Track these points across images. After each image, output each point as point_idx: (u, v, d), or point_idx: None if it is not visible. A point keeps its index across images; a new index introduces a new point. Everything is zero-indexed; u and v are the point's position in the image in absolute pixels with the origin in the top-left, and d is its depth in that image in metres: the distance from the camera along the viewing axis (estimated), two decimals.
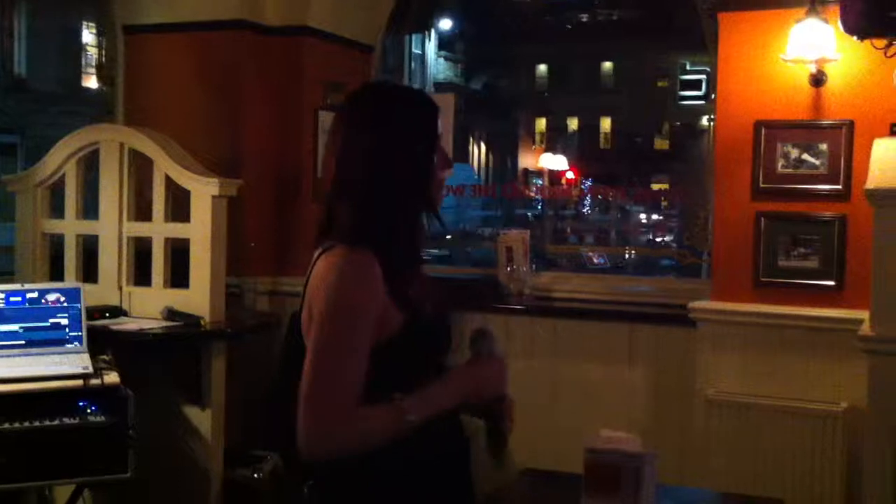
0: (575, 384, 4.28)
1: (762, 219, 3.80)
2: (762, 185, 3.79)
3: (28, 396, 2.97)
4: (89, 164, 3.86)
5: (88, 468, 3.01)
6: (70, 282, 3.63)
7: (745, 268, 3.82)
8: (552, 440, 4.30)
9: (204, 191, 3.60)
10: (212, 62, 4.41)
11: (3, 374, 3.02)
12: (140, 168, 3.80)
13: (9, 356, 3.17)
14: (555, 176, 27.36)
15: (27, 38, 24.03)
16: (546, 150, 32.74)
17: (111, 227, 3.76)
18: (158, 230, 3.71)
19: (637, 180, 27.47)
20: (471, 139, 34.85)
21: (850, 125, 3.67)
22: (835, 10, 3.52)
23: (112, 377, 3.10)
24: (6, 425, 2.90)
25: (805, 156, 3.76)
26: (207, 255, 3.58)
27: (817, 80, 3.70)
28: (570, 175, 30.42)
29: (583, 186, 27.26)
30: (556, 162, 30.85)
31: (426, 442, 1.84)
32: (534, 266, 4.67)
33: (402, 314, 1.82)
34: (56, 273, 3.90)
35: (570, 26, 35.35)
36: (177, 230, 3.68)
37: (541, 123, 37.19)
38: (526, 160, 35.27)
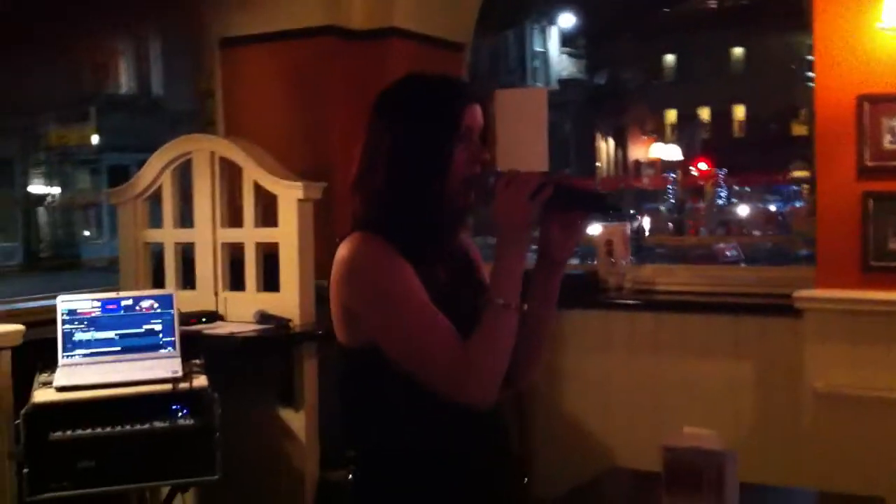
0: (678, 380, 4.16)
1: (869, 199, 3.58)
2: (868, 164, 3.58)
3: (122, 401, 3.06)
4: (183, 174, 3.97)
5: (178, 470, 3.08)
6: (164, 289, 3.73)
7: (852, 252, 3.62)
8: (655, 438, 4.19)
9: (290, 195, 3.64)
10: (301, 69, 4.47)
11: (97, 379, 3.12)
12: (232, 176, 3.88)
13: (105, 363, 3.28)
14: (680, 167, 26.81)
15: (161, 59, 25.17)
16: (658, 141, 32.03)
17: (205, 235, 3.85)
18: (249, 235, 3.78)
19: (776, 169, 26.48)
20: (598, 134, 34.47)
21: None
22: None
23: (201, 380, 3.17)
24: (99, 430, 3.00)
25: None
26: (295, 258, 3.63)
27: None
28: (702, 166, 29.80)
29: (718, 176, 26.61)
30: (668, 152, 30.19)
31: (459, 434, 1.81)
32: (633, 259, 4.56)
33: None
34: (158, 282, 4.02)
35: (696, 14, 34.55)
36: (266, 235, 3.74)
37: (670, 115, 36.46)
38: (637, 152, 34.61)
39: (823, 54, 3.68)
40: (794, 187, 25.12)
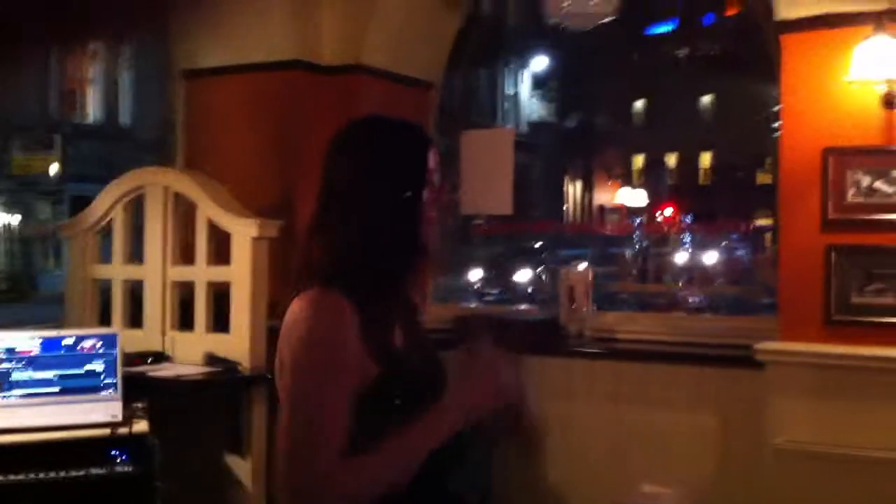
0: (639, 431, 4.07)
1: (832, 252, 3.54)
2: (831, 216, 3.54)
3: (57, 446, 2.93)
4: (140, 208, 3.85)
5: None
6: (107, 328, 3.60)
7: (815, 305, 3.56)
8: (614, 490, 4.10)
9: (244, 232, 3.55)
10: (268, 104, 4.39)
11: (32, 422, 2.99)
12: (187, 211, 3.78)
13: (42, 404, 3.14)
14: (645, 213, 26.92)
15: (132, 89, 25.00)
16: (625, 185, 32.28)
17: (155, 272, 3.74)
18: (201, 274, 3.67)
19: (741, 216, 26.67)
20: (566, 178, 34.64)
21: None
22: None
23: (141, 425, 3.04)
24: (32, 476, 2.86)
25: (878, 183, 3.50)
26: (247, 298, 3.52)
27: (889, 102, 3.45)
28: (668, 212, 29.97)
29: (683, 223, 26.76)
30: (634, 197, 30.41)
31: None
32: (595, 306, 4.48)
33: (377, 366, 1.68)
34: (106, 319, 3.89)
35: (668, 62, 35.00)
36: (218, 273, 3.64)
37: (638, 160, 36.76)
38: (604, 196, 34.85)
39: (790, 106, 3.65)
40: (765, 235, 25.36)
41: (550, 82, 34.13)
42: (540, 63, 32.89)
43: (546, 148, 32.37)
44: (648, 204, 30.12)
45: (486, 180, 4.82)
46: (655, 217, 29.18)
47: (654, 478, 3.94)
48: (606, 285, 13.79)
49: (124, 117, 25.44)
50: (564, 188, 34.44)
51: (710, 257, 17.85)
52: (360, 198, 1.73)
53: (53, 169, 22.73)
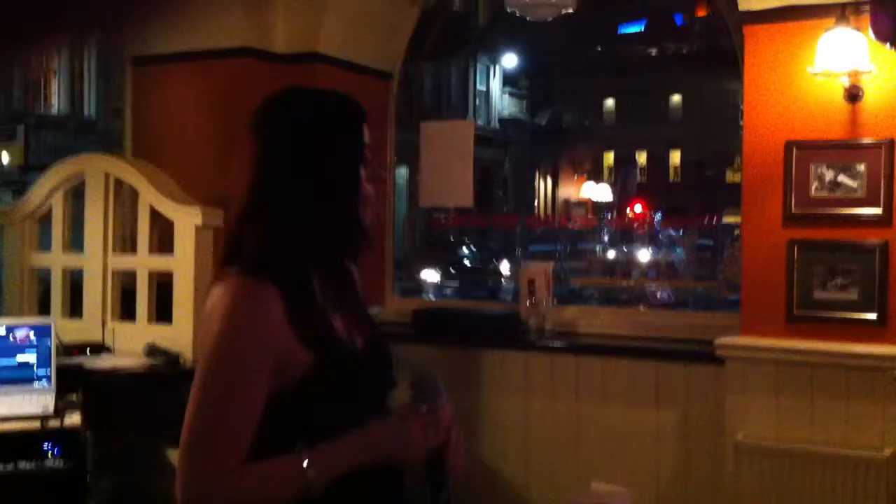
0: (597, 427, 3.99)
1: (795, 247, 3.46)
2: (794, 211, 3.46)
3: None
4: (77, 196, 3.71)
5: None
6: (40, 317, 3.46)
7: (777, 301, 3.48)
8: (573, 486, 4.01)
9: (187, 221, 3.41)
10: (218, 91, 4.24)
11: None
12: (131, 200, 3.64)
13: None
14: (614, 209, 26.95)
15: (95, 79, 24.67)
16: (592, 181, 32.38)
17: (96, 261, 3.59)
18: (142, 263, 3.53)
19: (710, 213, 26.77)
20: (537, 173, 34.64)
21: (891, 144, 3.33)
22: (867, 18, 3.23)
23: (74, 419, 2.90)
24: None
25: (841, 177, 3.42)
26: (191, 288, 3.39)
27: (853, 95, 3.36)
28: (637, 208, 30.04)
29: (652, 219, 26.84)
30: (599, 192, 30.48)
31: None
32: (555, 300, 4.39)
33: (309, 354, 1.56)
34: (45, 309, 3.74)
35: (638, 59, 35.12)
36: (161, 263, 3.50)
37: (608, 157, 36.85)
38: (570, 191, 34.91)
39: (753, 98, 3.56)
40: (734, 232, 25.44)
41: (521, 79, 34.10)
42: (511, 60, 32.83)
43: (517, 144, 32.36)
44: (617, 200, 30.17)
45: (447, 172, 4.71)
46: (625, 213, 29.26)
47: (613, 475, 3.89)
48: (573, 280, 13.79)
49: (89, 108, 25.10)
50: (535, 183, 34.44)
51: (678, 254, 17.89)
52: (286, 176, 1.60)
53: (5, 159, 22.32)
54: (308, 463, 1.52)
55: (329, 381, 1.58)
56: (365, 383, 1.65)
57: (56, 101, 25.37)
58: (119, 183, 3.59)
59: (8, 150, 22.00)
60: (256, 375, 1.53)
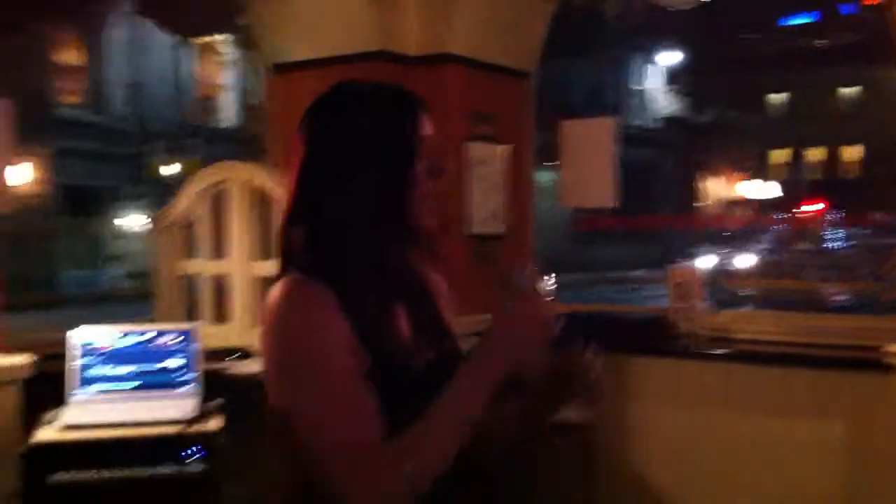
0: (754, 439, 3.76)
1: None
2: None
3: (127, 442, 2.85)
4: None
5: None
6: (186, 323, 3.52)
7: None
8: (725, 501, 3.80)
9: None
10: None
11: (105, 418, 2.92)
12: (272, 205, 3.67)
13: (119, 400, 3.08)
14: (784, 207, 25.86)
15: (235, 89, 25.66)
16: (760, 179, 31.10)
17: (240, 266, 3.65)
18: None
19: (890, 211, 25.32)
20: (698, 173, 33.68)
21: None
22: None
23: (214, 424, 2.93)
24: (102, 472, 2.78)
25: None
26: None
27: None
28: (809, 207, 28.74)
29: (825, 217, 25.67)
30: (764, 190, 29.24)
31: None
32: (709, 304, 4.16)
33: (368, 357, 1.46)
34: (192, 315, 3.83)
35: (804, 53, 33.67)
36: None
37: (777, 154, 35.48)
38: (730, 189, 33.68)
39: None
40: None
41: (682, 76, 33.27)
42: (671, 57, 32.11)
43: (677, 143, 31.57)
44: (787, 198, 28.97)
45: (588, 171, 4.57)
46: (796, 212, 28.08)
47: (769, 492, 3.65)
48: (732, 282, 13.23)
49: (253, 120, 26.10)
50: (696, 183, 33.46)
51: (849, 253, 16.94)
52: (335, 174, 1.53)
53: (174, 170, 23.35)
54: (457, 411, 1.42)
55: (384, 389, 1.46)
56: (424, 398, 1.47)
57: (225, 115, 26.58)
58: (259, 189, 3.63)
59: (184, 164, 23.12)
60: (346, 357, 1.44)
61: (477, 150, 4.34)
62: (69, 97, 21.90)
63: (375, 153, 1.53)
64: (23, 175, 17.66)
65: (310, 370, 1.44)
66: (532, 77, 4.68)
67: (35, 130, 18.78)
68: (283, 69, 4.45)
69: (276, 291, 1.49)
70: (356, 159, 1.53)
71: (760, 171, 34.07)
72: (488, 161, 4.44)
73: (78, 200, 21.32)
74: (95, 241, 21.85)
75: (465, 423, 1.43)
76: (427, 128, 1.58)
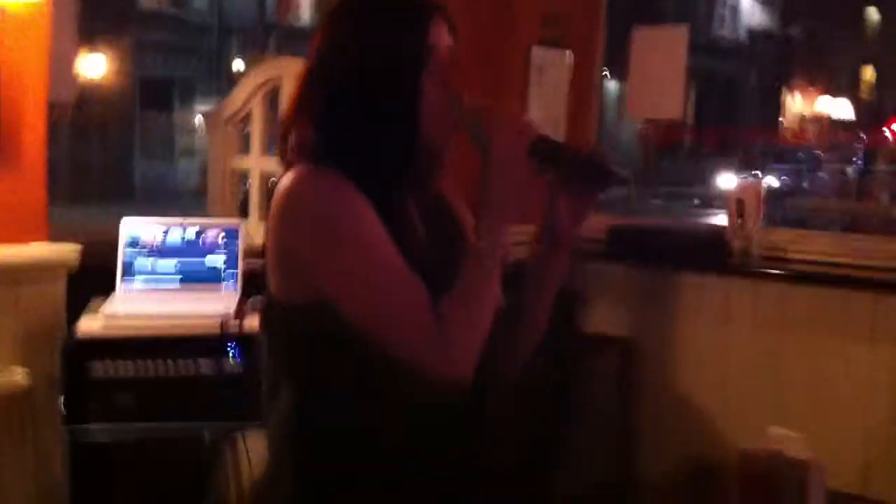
0: (805, 362, 3.67)
1: None
2: None
3: (166, 337, 2.88)
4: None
5: (220, 414, 2.88)
6: (230, 219, 3.53)
7: None
8: (770, 426, 3.74)
9: None
10: None
11: (144, 310, 2.95)
12: None
13: (162, 292, 3.12)
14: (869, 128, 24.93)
15: None
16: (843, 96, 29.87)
17: None
18: None
19: None
20: (784, 88, 32.64)
21: None
22: None
23: (252, 321, 2.95)
24: (140, 363, 2.82)
25: None
26: None
27: None
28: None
29: None
30: (837, 108, 28.13)
31: (423, 432, 1.51)
32: (765, 222, 4.04)
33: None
34: (246, 212, 3.85)
35: None
36: None
37: (866, 71, 34.11)
38: (816, 106, 32.40)
39: None
40: None
41: None
42: None
43: (764, 56, 30.54)
44: (875, 118, 27.89)
45: (657, 81, 4.43)
46: (882, 132, 27.09)
47: (816, 419, 3.57)
48: (805, 203, 12.88)
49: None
50: (781, 98, 32.43)
51: None
52: (341, 77, 1.51)
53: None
54: (479, 258, 1.45)
55: None
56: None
57: (303, 12, 26.43)
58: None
59: (247, 60, 23.13)
60: (385, 236, 1.44)
61: (540, 54, 4.22)
62: None
63: (377, 59, 1.49)
64: (98, 66, 17.88)
65: (353, 248, 1.43)
66: None
67: (115, 21, 19.02)
68: None
69: (288, 177, 1.47)
70: (360, 64, 1.50)
71: (851, 88, 32.80)
72: (553, 67, 4.32)
73: (154, 93, 21.58)
74: (170, 135, 22.17)
75: (494, 271, 1.44)
76: (438, 36, 1.53)
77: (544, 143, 1.48)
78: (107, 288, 3.10)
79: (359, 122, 1.49)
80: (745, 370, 3.81)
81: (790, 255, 3.89)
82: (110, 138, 18.90)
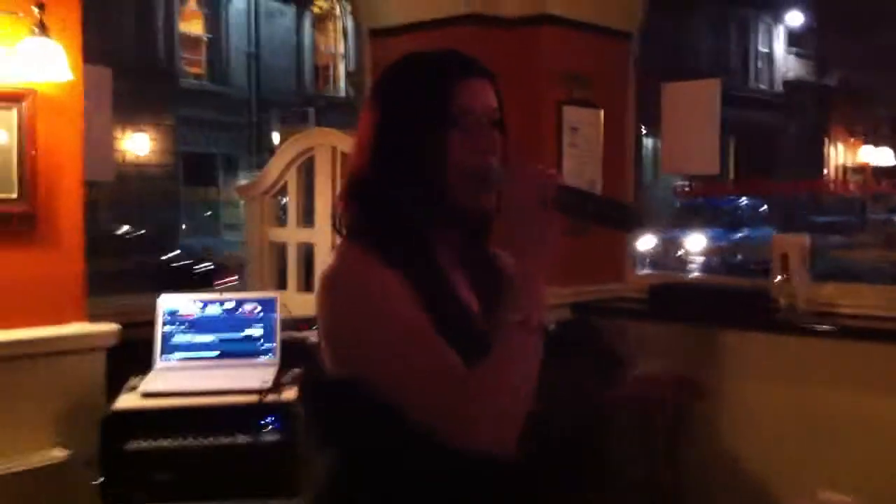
0: (855, 421, 3.56)
1: None
2: None
3: (205, 411, 2.87)
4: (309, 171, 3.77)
5: (258, 489, 2.85)
6: (267, 292, 3.53)
7: None
8: (821, 485, 3.62)
9: None
10: None
11: (182, 386, 2.95)
12: None
13: (201, 368, 3.11)
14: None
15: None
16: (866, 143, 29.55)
17: (325, 235, 3.63)
18: None
19: None
20: (826, 139, 32.38)
21: None
22: None
23: (290, 393, 2.93)
24: (179, 440, 2.82)
25: None
26: None
27: None
28: None
29: None
30: (880, 156, 27.78)
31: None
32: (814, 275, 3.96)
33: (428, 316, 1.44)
34: (284, 283, 3.85)
35: None
36: None
37: None
38: (843, 156, 32.02)
39: None
40: None
41: (807, 38, 31.94)
42: (796, 17, 30.86)
43: (801, 107, 30.40)
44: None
45: (690, 135, 4.40)
46: None
47: (868, 478, 3.45)
48: (851, 254, 12.61)
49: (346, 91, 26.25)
50: (822, 148, 32.15)
51: None
52: (377, 145, 1.50)
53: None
54: (511, 314, 1.39)
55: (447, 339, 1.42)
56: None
57: (341, 84, 26.85)
58: (345, 156, 3.61)
59: (283, 132, 23.47)
60: (413, 310, 1.42)
61: (572, 113, 4.22)
62: (192, 68, 22.47)
63: (409, 120, 1.49)
64: (141, 144, 18.24)
65: (378, 321, 1.41)
66: (634, 37, 4.52)
67: (158, 99, 19.44)
68: (380, 34, 4.42)
69: (331, 259, 1.50)
70: (395, 128, 1.50)
71: (893, 136, 32.45)
72: (584, 126, 4.31)
73: (198, 168, 21.94)
74: (214, 210, 22.47)
75: (531, 327, 1.38)
76: (469, 96, 1.50)
77: (567, 192, 1.45)
78: (147, 363, 3.11)
79: (388, 188, 1.49)
80: (794, 429, 3.71)
81: (838, 310, 3.80)
82: (155, 214, 19.19)
